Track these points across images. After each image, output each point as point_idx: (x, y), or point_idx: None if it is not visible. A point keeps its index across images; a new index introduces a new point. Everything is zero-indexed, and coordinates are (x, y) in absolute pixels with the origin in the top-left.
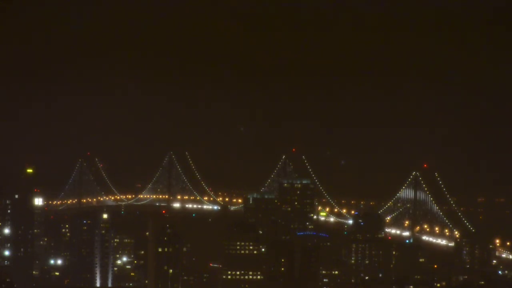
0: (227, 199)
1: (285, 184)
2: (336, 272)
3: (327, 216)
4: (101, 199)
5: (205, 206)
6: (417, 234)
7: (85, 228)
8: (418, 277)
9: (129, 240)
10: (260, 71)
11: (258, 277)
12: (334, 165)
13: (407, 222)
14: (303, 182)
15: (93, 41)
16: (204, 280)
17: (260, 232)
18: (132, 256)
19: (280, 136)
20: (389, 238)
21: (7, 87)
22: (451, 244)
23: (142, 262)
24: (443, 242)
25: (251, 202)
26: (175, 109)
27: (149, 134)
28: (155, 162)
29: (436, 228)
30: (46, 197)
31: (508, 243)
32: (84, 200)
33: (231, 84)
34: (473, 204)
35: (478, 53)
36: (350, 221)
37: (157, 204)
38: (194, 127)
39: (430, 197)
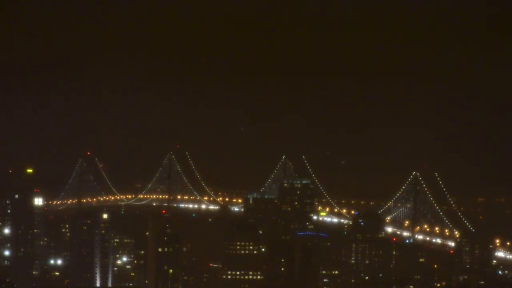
0: (227, 199)
1: (285, 184)
2: (336, 272)
3: (327, 215)
4: (101, 199)
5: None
6: (417, 235)
7: (85, 228)
8: (418, 277)
9: (129, 240)
10: (260, 71)
11: (258, 277)
12: (334, 165)
13: (407, 222)
14: (303, 182)
15: (93, 40)
16: (204, 280)
17: (260, 232)
18: (132, 256)
19: (280, 136)
20: (394, 239)
21: (7, 87)
22: (451, 243)
23: (142, 262)
24: (439, 241)
25: (251, 202)
26: (175, 109)
27: (149, 134)
28: (155, 162)
29: (436, 228)
30: (46, 197)
31: (508, 243)
32: (84, 200)
33: (231, 83)
34: (473, 204)
35: (478, 53)
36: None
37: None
38: (194, 127)
39: (430, 197)
